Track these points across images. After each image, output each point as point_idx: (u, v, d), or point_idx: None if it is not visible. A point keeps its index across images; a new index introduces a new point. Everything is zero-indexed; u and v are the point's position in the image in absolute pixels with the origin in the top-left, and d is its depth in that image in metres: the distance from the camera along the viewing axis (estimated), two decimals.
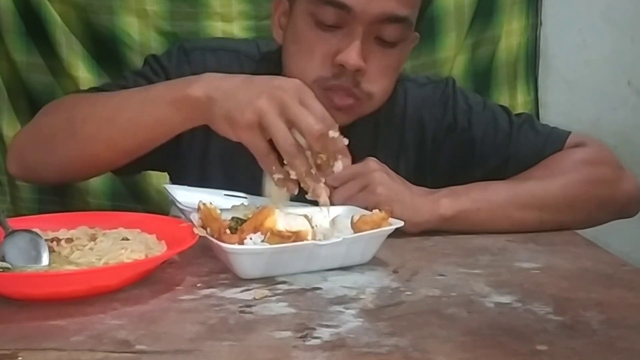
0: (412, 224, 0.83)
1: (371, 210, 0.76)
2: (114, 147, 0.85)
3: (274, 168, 0.75)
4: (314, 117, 0.73)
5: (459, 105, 1.03)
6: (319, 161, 0.76)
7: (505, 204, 0.89)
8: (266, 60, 1.02)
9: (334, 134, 0.74)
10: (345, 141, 0.77)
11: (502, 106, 1.07)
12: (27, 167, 0.94)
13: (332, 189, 0.85)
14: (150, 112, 0.82)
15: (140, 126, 0.83)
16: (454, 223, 0.87)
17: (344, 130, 0.99)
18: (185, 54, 1.00)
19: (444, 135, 1.02)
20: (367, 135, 1.01)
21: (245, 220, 0.72)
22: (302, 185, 0.76)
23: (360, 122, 0.99)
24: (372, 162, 0.88)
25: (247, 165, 0.96)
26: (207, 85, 0.78)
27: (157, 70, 0.99)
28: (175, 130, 0.84)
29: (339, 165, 0.77)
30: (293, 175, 0.75)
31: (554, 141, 0.99)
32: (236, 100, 0.75)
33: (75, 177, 0.98)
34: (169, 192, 0.88)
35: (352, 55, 0.86)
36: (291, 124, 0.73)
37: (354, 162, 0.80)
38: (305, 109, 0.73)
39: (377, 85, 0.91)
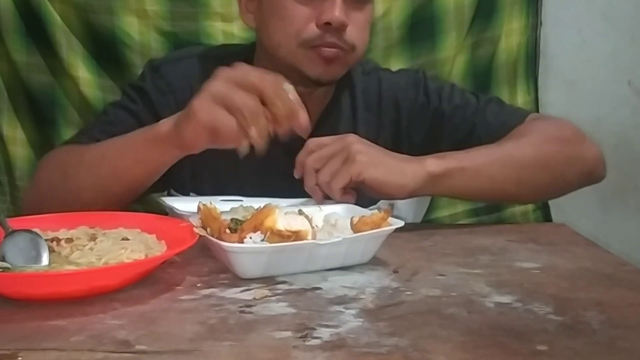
0: (400, 186, 0.86)
1: (358, 183, 0.76)
2: (104, 193, 0.90)
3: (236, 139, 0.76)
4: (258, 72, 0.77)
5: (429, 86, 1.10)
6: (275, 110, 0.76)
7: (487, 163, 0.93)
8: (231, 56, 1.04)
9: (287, 87, 0.77)
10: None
11: (471, 91, 1.14)
12: None
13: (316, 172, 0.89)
14: (128, 156, 0.88)
15: (124, 170, 0.88)
16: (441, 182, 0.89)
17: (323, 116, 1.06)
18: (157, 70, 1.06)
19: (417, 112, 1.09)
20: (346, 120, 1.08)
21: (244, 222, 0.72)
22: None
23: (338, 108, 1.07)
24: (349, 136, 0.91)
25: (236, 176, 1.00)
26: (172, 117, 0.83)
27: (133, 97, 1.05)
28: (156, 169, 0.89)
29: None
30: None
31: (518, 115, 1.06)
32: (190, 107, 0.78)
33: None
34: (166, 204, 0.89)
35: (336, 12, 0.92)
36: (242, 87, 0.75)
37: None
38: (249, 72, 0.77)
39: (358, 37, 0.97)
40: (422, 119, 1.08)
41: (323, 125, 1.04)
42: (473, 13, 1.62)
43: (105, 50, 1.53)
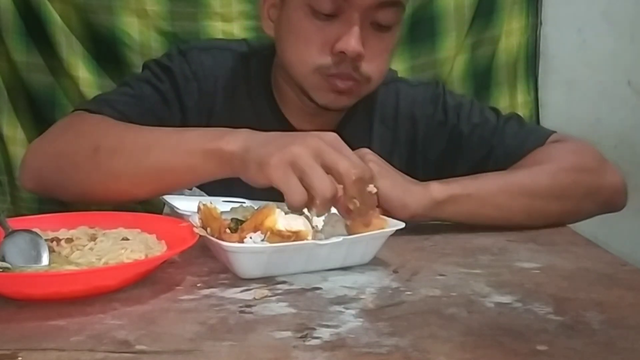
0: (402, 205, 0.84)
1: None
2: (138, 185, 0.84)
3: (298, 211, 0.70)
4: (350, 161, 0.70)
5: (448, 102, 1.07)
6: (352, 207, 0.70)
7: (495, 192, 0.90)
8: (256, 56, 1.05)
9: (372, 188, 0.71)
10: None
11: (490, 107, 1.11)
12: (45, 187, 0.92)
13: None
14: (181, 158, 0.80)
15: (169, 171, 0.81)
16: (445, 209, 0.88)
17: (338, 129, 1.00)
18: (183, 55, 1.02)
19: (434, 131, 1.06)
20: (362, 133, 1.05)
21: (244, 222, 0.72)
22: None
23: (354, 120, 1.04)
24: (364, 149, 0.89)
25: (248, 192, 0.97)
26: (242, 138, 0.76)
27: (159, 74, 1.00)
28: (203, 178, 0.83)
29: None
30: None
31: (537, 136, 1.03)
32: (269, 147, 0.72)
33: (94, 203, 0.95)
34: (167, 202, 0.89)
35: (351, 42, 0.88)
36: (327, 170, 0.69)
37: None
38: (341, 154, 0.70)
39: (375, 68, 0.94)
40: (439, 136, 1.06)
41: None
42: (473, 13, 1.62)
43: (105, 50, 1.54)
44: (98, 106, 0.94)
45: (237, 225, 0.71)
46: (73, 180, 0.87)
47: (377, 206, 0.81)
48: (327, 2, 0.88)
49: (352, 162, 0.70)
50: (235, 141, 0.76)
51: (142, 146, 0.83)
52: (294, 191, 0.68)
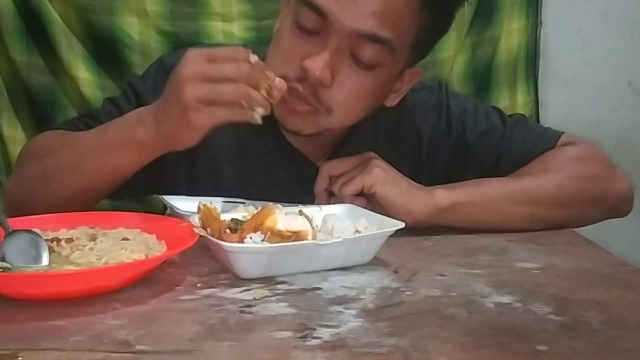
0: (407, 211, 0.84)
1: (369, 195, 0.78)
2: (82, 191, 0.87)
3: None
4: (229, 63, 0.74)
5: (452, 109, 1.03)
6: (265, 88, 0.74)
7: (498, 199, 0.90)
8: None
9: (253, 58, 0.74)
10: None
11: (494, 107, 1.08)
12: (20, 211, 0.92)
13: (331, 179, 0.88)
14: (105, 157, 0.84)
15: (101, 170, 0.85)
16: (448, 215, 0.88)
17: (341, 144, 0.99)
18: (165, 72, 0.96)
19: (439, 140, 1.03)
20: (366, 144, 1.00)
21: (244, 222, 0.72)
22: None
23: (355, 134, 0.99)
24: (371, 152, 0.89)
25: (235, 177, 0.97)
26: (150, 123, 0.79)
27: (129, 96, 0.99)
28: (136, 167, 0.85)
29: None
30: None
31: (546, 140, 1.00)
32: (171, 107, 0.76)
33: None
34: (166, 201, 0.88)
35: (317, 64, 0.82)
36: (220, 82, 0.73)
37: None
38: (217, 65, 0.74)
39: (339, 103, 0.86)
40: (444, 146, 1.03)
41: (342, 149, 0.99)
42: (473, 13, 1.62)
43: (105, 50, 1.53)
44: (61, 125, 0.99)
45: (237, 226, 0.71)
46: (34, 202, 0.89)
47: (383, 211, 0.81)
48: (310, 17, 0.84)
49: (232, 63, 0.73)
50: (142, 125, 0.80)
51: (76, 156, 0.87)
52: (225, 117, 0.74)
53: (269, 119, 1.00)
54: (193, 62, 0.75)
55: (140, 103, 0.96)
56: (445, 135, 1.03)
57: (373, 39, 0.83)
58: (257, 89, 0.74)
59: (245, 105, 0.73)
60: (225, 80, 0.73)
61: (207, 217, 0.72)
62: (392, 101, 0.96)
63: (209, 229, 0.71)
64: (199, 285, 0.67)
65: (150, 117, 0.80)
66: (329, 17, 0.82)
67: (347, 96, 0.86)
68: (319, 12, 0.83)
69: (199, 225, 0.73)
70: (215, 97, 0.73)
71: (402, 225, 0.75)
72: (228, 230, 0.70)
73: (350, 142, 1.00)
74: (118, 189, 0.89)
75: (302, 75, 0.84)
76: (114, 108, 0.98)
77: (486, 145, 1.01)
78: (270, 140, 0.98)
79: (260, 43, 1.33)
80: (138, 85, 1.00)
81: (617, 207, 0.99)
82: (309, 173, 0.92)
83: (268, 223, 0.68)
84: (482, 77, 1.67)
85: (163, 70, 0.98)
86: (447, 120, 1.03)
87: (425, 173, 1.03)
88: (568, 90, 1.74)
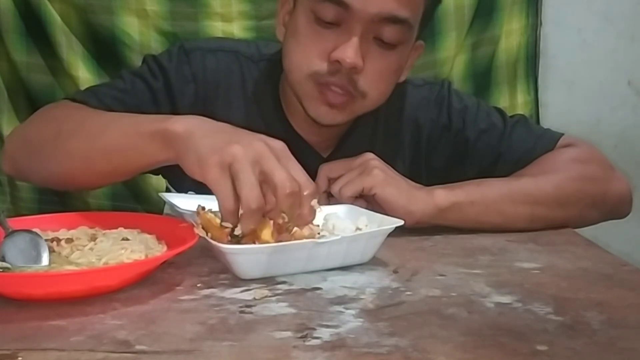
0: (407, 212, 0.84)
1: (369, 197, 0.76)
2: (88, 168, 0.83)
3: (230, 218, 0.68)
4: (288, 174, 0.67)
5: (453, 106, 1.04)
6: (280, 221, 0.68)
7: (498, 199, 0.90)
8: (265, 61, 1.02)
9: (316, 205, 0.69)
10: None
11: (496, 107, 1.09)
12: (18, 170, 0.94)
13: (330, 181, 0.89)
14: (130, 139, 0.78)
15: (118, 152, 0.79)
16: (448, 215, 0.88)
17: (348, 132, 1.00)
18: (186, 54, 0.99)
19: (438, 135, 1.04)
20: (366, 137, 1.03)
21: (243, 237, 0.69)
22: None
23: (359, 125, 1.01)
24: (369, 154, 0.89)
25: None
26: (189, 123, 0.74)
27: (155, 71, 0.97)
28: (151, 162, 0.79)
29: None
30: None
31: (545, 141, 1.01)
32: (212, 141, 0.70)
33: (57, 188, 0.95)
34: (167, 200, 0.88)
35: (348, 52, 0.85)
36: (263, 177, 0.67)
37: None
38: (281, 165, 0.68)
39: (373, 86, 0.90)
40: (443, 141, 1.04)
41: (341, 147, 1.01)
42: (473, 13, 1.62)
43: (105, 50, 1.54)
44: (84, 96, 0.94)
45: (237, 239, 0.70)
46: (37, 164, 0.87)
47: (384, 212, 0.81)
48: (330, 10, 0.86)
49: (289, 175, 0.67)
50: (181, 123, 0.74)
51: (98, 128, 0.82)
52: (225, 196, 0.67)
53: (277, 108, 1.02)
54: (284, 146, 0.70)
55: (165, 79, 0.97)
56: (445, 130, 1.03)
57: (394, 20, 0.87)
58: (272, 218, 0.68)
59: (240, 213, 0.67)
60: (263, 185, 0.67)
61: (208, 225, 0.71)
62: (404, 76, 0.98)
63: (209, 234, 0.71)
64: (199, 285, 0.67)
65: (195, 119, 0.75)
66: (353, 6, 0.85)
67: (378, 77, 0.90)
68: (341, 4, 0.85)
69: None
70: (239, 184, 0.66)
71: (401, 222, 0.75)
72: (229, 238, 0.69)
73: (354, 133, 1.02)
74: (128, 174, 0.84)
75: (333, 67, 0.87)
76: (139, 79, 0.96)
77: (486, 143, 1.02)
78: (278, 128, 0.98)
79: None
80: (163, 61, 0.98)
81: (616, 209, 0.99)
82: (315, 164, 0.91)
83: (264, 237, 0.68)
84: (482, 77, 1.67)
85: (184, 53, 0.99)
86: (447, 116, 1.04)
87: (424, 168, 1.05)
88: (568, 90, 1.74)
